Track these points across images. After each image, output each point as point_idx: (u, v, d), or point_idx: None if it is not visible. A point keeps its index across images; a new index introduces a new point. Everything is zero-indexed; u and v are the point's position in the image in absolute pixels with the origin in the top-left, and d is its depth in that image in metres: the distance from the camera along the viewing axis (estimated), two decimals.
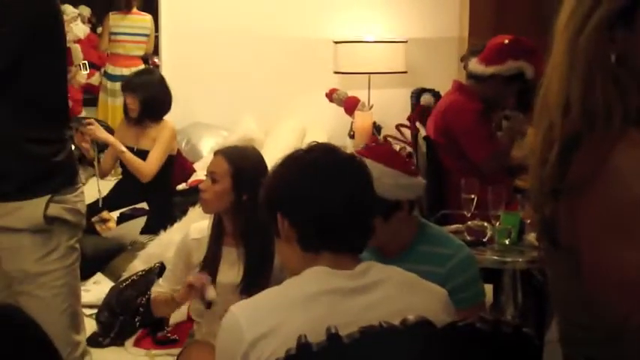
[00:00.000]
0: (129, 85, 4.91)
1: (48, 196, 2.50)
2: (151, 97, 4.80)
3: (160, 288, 3.05)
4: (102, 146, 4.79)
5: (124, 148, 4.70)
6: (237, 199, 2.91)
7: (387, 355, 1.57)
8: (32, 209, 2.49)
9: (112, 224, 5.18)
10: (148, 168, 4.72)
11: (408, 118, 5.27)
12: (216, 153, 3.00)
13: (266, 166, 2.85)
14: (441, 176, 4.08)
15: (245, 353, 1.67)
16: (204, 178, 4.00)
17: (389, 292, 1.77)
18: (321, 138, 5.91)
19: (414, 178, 2.59)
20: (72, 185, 2.58)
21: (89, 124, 4.62)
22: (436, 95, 5.38)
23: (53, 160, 2.52)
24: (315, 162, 1.87)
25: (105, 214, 5.10)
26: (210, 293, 2.79)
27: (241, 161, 2.94)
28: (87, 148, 4.56)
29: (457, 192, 3.58)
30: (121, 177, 5.19)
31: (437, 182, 4.02)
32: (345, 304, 1.72)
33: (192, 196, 4.78)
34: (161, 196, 4.87)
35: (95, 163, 4.67)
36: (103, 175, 4.84)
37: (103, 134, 4.63)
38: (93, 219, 4.98)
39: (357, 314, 1.69)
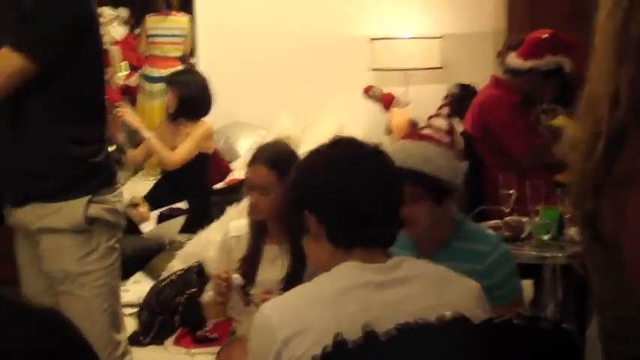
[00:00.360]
0: (171, 80, 5.02)
1: (88, 197, 2.53)
2: (188, 96, 4.84)
3: (208, 293, 3.05)
4: (137, 142, 4.85)
5: (149, 134, 4.75)
6: None
7: (424, 352, 1.56)
8: (73, 210, 2.52)
9: (143, 209, 5.15)
10: (173, 157, 4.75)
11: (439, 109, 5.23)
12: (256, 163, 2.90)
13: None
14: (479, 172, 4.06)
15: (278, 352, 1.66)
16: (241, 177, 4.00)
17: (422, 287, 1.75)
18: (358, 135, 5.88)
19: (462, 162, 2.58)
20: (111, 186, 2.61)
21: (119, 107, 4.67)
22: (472, 91, 5.35)
23: (92, 160, 2.54)
24: (339, 156, 1.84)
25: (133, 198, 5.10)
26: (236, 280, 2.80)
27: (283, 163, 2.90)
28: (115, 133, 4.60)
29: (495, 188, 3.55)
30: (160, 177, 5.23)
31: (475, 178, 4.00)
32: (377, 298, 1.70)
33: (230, 195, 4.81)
34: (199, 195, 4.90)
35: (125, 149, 4.70)
36: (133, 165, 4.86)
37: (132, 118, 4.68)
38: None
39: (390, 309, 1.67)
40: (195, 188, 4.85)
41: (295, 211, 1.86)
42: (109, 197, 2.59)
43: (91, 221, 2.54)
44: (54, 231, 2.53)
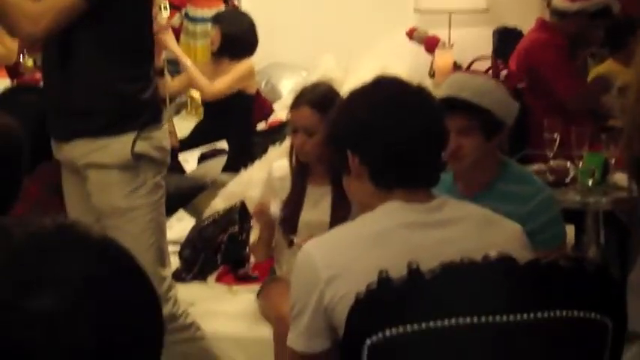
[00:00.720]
0: (217, 17, 5.00)
1: (135, 133, 2.56)
2: (234, 34, 4.82)
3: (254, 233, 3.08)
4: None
5: (190, 63, 4.75)
6: None
7: (469, 291, 1.57)
8: (120, 146, 2.55)
9: None
10: (212, 88, 4.72)
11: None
12: (300, 104, 2.91)
13: None
14: (524, 116, 4.03)
15: (321, 292, 1.67)
16: (284, 118, 4.01)
17: (465, 229, 1.75)
18: (401, 76, 5.86)
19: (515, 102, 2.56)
20: (157, 123, 2.64)
21: (161, 31, 4.65)
22: (518, 34, 5.28)
23: (140, 97, 2.57)
24: (383, 94, 1.80)
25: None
26: (273, 209, 2.84)
27: (327, 104, 2.88)
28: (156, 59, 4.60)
29: (539, 132, 3.53)
30: (202, 117, 5.25)
31: (519, 122, 3.96)
32: (420, 239, 1.70)
33: (272, 136, 4.82)
34: (240, 135, 4.91)
35: (166, 74, 4.67)
36: (169, 94, 4.82)
37: (173, 44, 4.67)
38: None
39: (434, 249, 1.66)
40: (237, 128, 4.86)
41: (337, 151, 1.83)
42: (156, 134, 2.62)
43: (138, 157, 2.57)
44: (101, 167, 2.57)
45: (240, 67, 4.81)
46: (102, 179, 2.59)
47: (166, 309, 2.65)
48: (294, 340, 1.75)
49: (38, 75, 4.61)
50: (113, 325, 0.87)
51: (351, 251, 1.70)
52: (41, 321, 0.83)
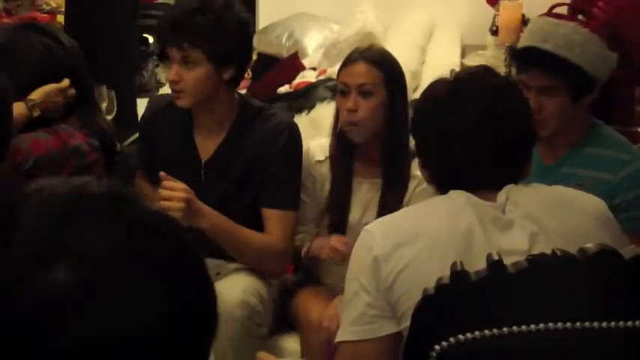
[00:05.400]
0: None
1: None
2: None
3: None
4: None
5: None
6: (391, 113, 2.89)
7: (561, 291, 1.57)
8: None
9: None
10: None
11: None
12: (355, 60, 2.93)
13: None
14: (610, 87, 4.01)
15: (375, 258, 1.77)
16: (313, 80, 3.98)
17: (540, 223, 1.80)
18: (453, 34, 5.85)
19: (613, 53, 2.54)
20: None
21: None
22: None
23: None
24: (447, 90, 1.92)
25: None
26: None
27: (389, 65, 2.91)
28: None
29: (626, 104, 3.52)
30: None
31: (605, 93, 3.95)
32: (491, 234, 1.78)
33: (297, 101, 4.79)
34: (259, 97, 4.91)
35: None
36: None
37: None
38: None
39: (511, 244, 1.76)
40: (256, 90, 4.86)
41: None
42: None
43: None
44: None
45: None
46: None
47: None
48: (349, 330, 1.81)
49: None
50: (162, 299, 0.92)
51: (415, 223, 1.80)
52: (68, 291, 0.87)
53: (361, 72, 2.89)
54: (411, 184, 2.90)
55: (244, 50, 3.01)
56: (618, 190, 2.42)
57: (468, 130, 1.84)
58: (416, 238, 1.75)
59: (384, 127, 2.88)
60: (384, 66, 2.89)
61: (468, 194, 1.83)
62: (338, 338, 1.84)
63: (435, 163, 1.93)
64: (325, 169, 3.02)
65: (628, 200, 2.45)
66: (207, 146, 3.02)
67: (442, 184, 1.92)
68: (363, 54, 2.94)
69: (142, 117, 3.32)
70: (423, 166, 1.97)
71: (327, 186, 3.01)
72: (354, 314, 1.80)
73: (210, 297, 0.99)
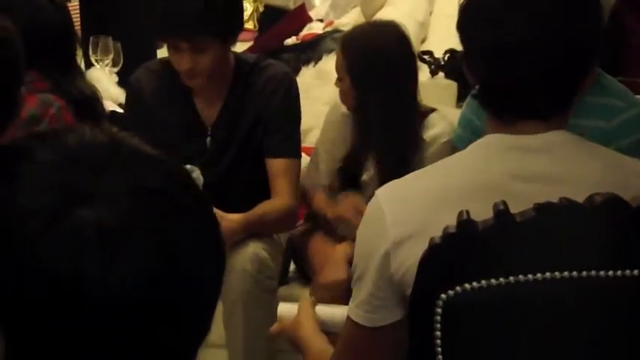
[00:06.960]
0: None
1: None
2: None
3: (319, 180, 3.11)
4: None
5: None
6: (358, 100, 2.96)
7: (569, 238, 1.57)
8: None
9: None
10: None
11: None
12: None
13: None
14: (621, 37, 3.99)
15: (386, 253, 1.67)
16: (319, 31, 4.01)
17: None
18: None
19: None
20: None
21: None
22: None
23: None
24: None
25: None
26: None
27: (355, 50, 2.99)
28: None
29: (638, 54, 3.50)
30: None
31: (615, 43, 3.93)
32: (515, 191, 1.64)
33: (304, 53, 4.78)
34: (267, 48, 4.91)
35: None
36: None
37: None
38: None
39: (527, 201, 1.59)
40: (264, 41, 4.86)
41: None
42: None
43: None
44: None
45: None
46: None
47: None
48: (354, 311, 1.75)
49: None
50: (173, 242, 0.92)
51: (426, 211, 1.66)
52: (93, 231, 0.88)
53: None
54: (424, 150, 2.92)
55: (240, 14, 3.04)
56: (613, 137, 2.40)
57: (524, 42, 1.66)
58: (426, 231, 1.60)
59: (354, 114, 2.97)
60: (348, 52, 2.97)
61: (497, 145, 1.70)
62: (347, 312, 1.79)
63: (484, 84, 1.74)
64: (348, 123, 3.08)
65: (622, 147, 2.42)
66: (209, 112, 3.02)
67: (488, 105, 1.75)
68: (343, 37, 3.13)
69: (134, 79, 3.16)
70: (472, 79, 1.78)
71: (349, 141, 3.05)
72: (359, 297, 1.73)
73: (219, 236, 1.00)
